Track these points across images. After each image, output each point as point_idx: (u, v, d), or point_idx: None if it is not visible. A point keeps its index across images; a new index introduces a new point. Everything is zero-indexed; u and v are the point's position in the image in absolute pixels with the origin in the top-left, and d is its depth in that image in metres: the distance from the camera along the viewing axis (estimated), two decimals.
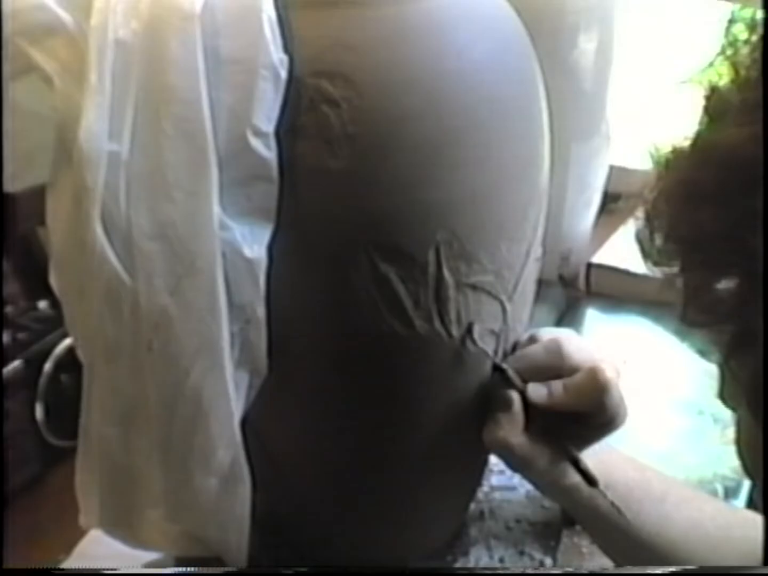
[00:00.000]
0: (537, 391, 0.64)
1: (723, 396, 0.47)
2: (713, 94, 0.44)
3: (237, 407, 0.58)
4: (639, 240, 0.48)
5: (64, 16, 0.53)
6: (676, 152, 0.45)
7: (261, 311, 0.56)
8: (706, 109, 0.44)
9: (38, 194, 0.56)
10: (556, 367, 0.64)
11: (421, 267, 0.58)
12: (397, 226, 0.57)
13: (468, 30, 0.59)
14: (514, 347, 0.68)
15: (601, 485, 0.64)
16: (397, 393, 0.64)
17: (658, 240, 0.46)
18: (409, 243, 0.57)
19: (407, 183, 0.56)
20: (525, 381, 0.65)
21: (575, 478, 0.65)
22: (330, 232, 0.57)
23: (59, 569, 0.81)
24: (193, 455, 0.57)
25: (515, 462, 0.66)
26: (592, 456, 0.66)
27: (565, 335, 0.67)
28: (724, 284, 0.41)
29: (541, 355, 0.65)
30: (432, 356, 0.62)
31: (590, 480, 0.64)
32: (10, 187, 0.61)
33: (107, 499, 0.63)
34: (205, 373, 0.55)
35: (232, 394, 0.56)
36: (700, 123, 0.45)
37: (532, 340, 0.68)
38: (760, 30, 0.43)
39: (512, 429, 0.64)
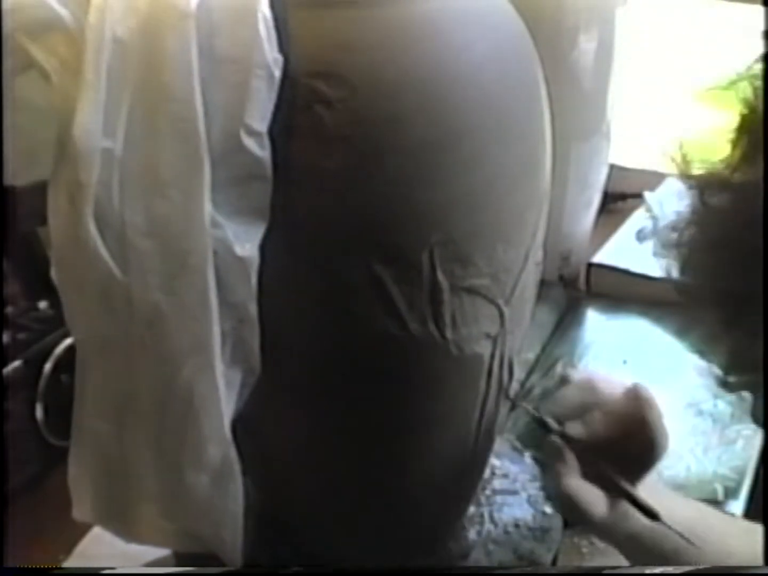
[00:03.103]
0: (575, 427, 0.64)
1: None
2: (752, 117, 0.41)
3: (229, 405, 0.58)
4: (678, 288, 0.46)
5: (63, 12, 0.53)
6: (713, 190, 0.43)
7: (253, 310, 0.56)
8: (741, 132, 0.42)
9: (39, 194, 0.57)
10: (592, 404, 0.64)
11: (415, 269, 0.58)
12: (391, 227, 0.57)
13: (466, 32, 0.58)
14: (545, 394, 0.69)
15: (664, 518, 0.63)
16: (391, 393, 0.64)
17: (698, 290, 0.44)
18: (403, 244, 0.57)
19: (401, 184, 0.56)
20: (563, 423, 0.65)
21: (637, 525, 0.65)
22: (323, 231, 0.57)
23: (59, 569, 0.82)
24: (184, 452, 0.58)
25: (578, 507, 0.65)
26: (650, 497, 0.65)
27: (596, 373, 0.66)
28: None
29: (576, 394, 0.65)
30: (427, 357, 0.62)
31: (651, 514, 0.63)
32: (14, 181, 0.61)
33: (100, 493, 0.63)
34: (197, 371, 0.55)
35: (222, 392, 0.56)
36: (738, 150, 0.42)
37: (564, 381, 0.67)
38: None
39: (572, 473, 0.64)
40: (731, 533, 0.67)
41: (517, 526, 0.84)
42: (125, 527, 0.64)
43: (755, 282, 0.38)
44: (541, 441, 0.66)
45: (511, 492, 0.88)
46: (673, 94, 1.25)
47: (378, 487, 0.70)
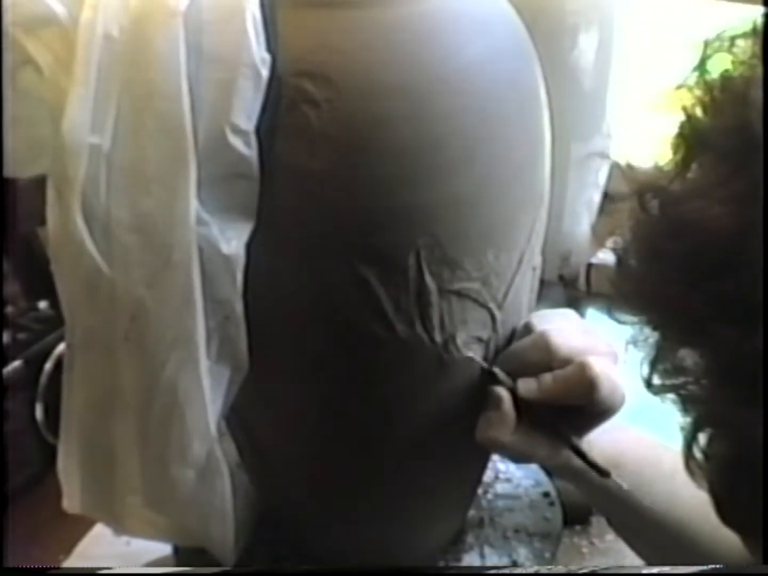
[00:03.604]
0: (527, 385, 0.63)
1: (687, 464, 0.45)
2: (688, 125, 0.41)
3: (216, 402, 0.58)
4: (611, 282, 0.46)
5: (59, 8, 0.53)
6: (649, 195, 0.42)
7: (239, 307, 0.56)
8: (681, 139, 0.42)
9: (39, 193, 0.57)
10: (545, 362, 0.63)
11: (401, 271, 0.58)
12: (376, 228, 0.56)
13: (458, 34, 0.58)
14: (511, 336, 0.67)
15: (613, 466, 0.63)
16: (380, 394, 0.64)
17: (629, 293, 0.44)
18: (389, 246, 0.57)
19: (386, 186, 0.56)
20: (516, 378, 0.64)
21: (575, 459, 0.65)
22: (309, 231, 0.56)
23: (58, 569, 0.82)
24: (169, 446, 0.58)
25: (514, 456, 0.66)
26: (604, 435, 0.65)
27: (555, 326, 0.65)
28: (688, 357, 0.40)
29: (530, 351, 0.64)
30: (415, 360, 0.61)
31: (601, 472, 0.63)
32: (18, 173, 0.61)
33: (88, 484, 0.63)
34: (181, 366, 0.55)
35: (206, 387, 0.57)
36: (675, 157, 0.42)
37: (527, 329, 0.66)
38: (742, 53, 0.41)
39: (503, 427, 0.63)
40: (680, 471, 0.67)
41: (516, 531, 0.84)
42: (114, 519, 0.65)
43: (678, 289, 0.38)
44: (482, 388, 0.66)
45: (513, 497, 0.88)
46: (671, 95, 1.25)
47: (369, 486, 0.71)
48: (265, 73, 0.52)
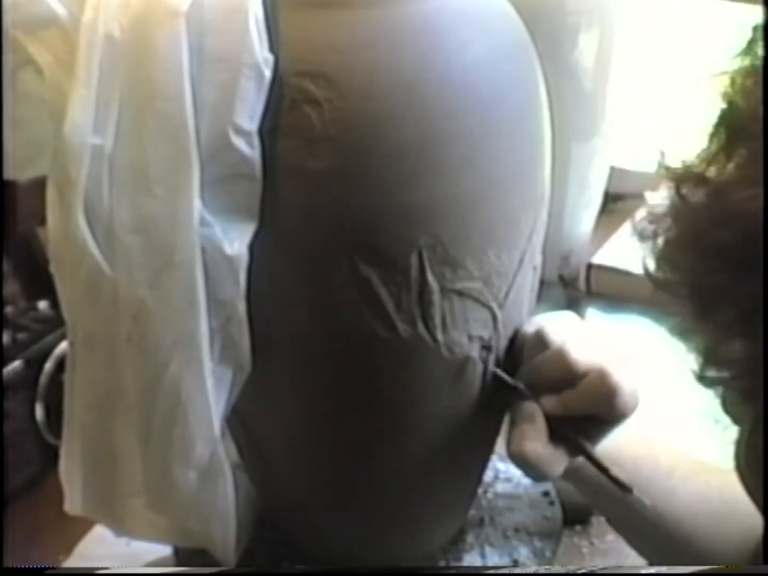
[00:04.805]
0: (550, 403, 0.63)
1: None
2: (730, 111, 0.41)
3: (218, 402, 0.58)
4: (648, 274, 0.45)
5: (60, 9, 0.53)
6: (689, 184, 0.42)
7: (242, 308, 0.56)
8: (722, 128, 0.41)
9: (39, 193, 0.57)
10: (564, 378, 0.63)
11: (403, 270, 0.58)
12: (378, 228, 0.56)
13: (459, 34, 0.58)
14: (514, 337, 0.67)
15: (610, 463, 0.63)
16: (382, 394, 0.63)
17: (672, 284, 0.43)
18: (390, 246, 0.57)
19: (388, 185, 0.56)
20: (537, 392, 0.64)
21: (580, 459, 0.65)
22: (310, 231, 0.56)
23: (57, 569, 0.82)
24: (171, 447, 0.58)
25: (540, 472, 0.64)
26: None
27: (571, 338, 0.64)
28: (738, 345, 0.39)
29: (549, 367, 0.64)
30: (416, 359, 0.61)
31: (623, 487, 0.62)
32: (17, 175, 0.61)
33: (89, 485, 0.63)
34: (183, 367, 0.55)
35: (210, 388, 0.57)
36: (712, 145, 0.42)
37: (540, 338, 0.65)
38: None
39: (538, 439, 0.63)
40: (677, 469, 0.67)
41: (516, 530, 0.84)
42: (115, 520, 0.65)
43: (726, 278, 0.38)
44: (498, 398, 0.66)
45: (513, 496, 0.88)
46: (671, 95, 1.25)
47: (370, 486, 0.70)
48: (267, 73, 0.53)
